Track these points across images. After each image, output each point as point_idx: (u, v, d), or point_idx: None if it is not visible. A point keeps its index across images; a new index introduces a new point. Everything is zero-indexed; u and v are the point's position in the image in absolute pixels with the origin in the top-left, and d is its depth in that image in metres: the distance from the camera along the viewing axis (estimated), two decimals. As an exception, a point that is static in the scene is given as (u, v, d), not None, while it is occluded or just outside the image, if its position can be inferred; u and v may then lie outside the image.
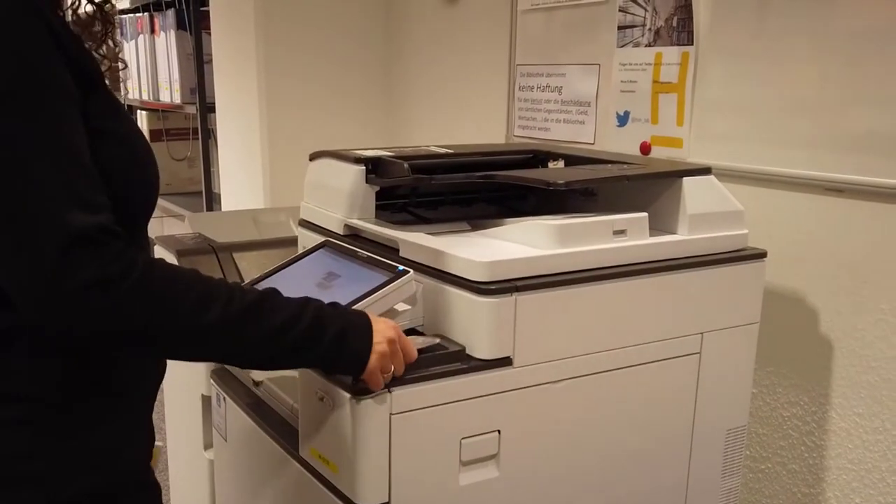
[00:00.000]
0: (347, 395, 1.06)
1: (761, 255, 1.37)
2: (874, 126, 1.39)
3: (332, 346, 1.00)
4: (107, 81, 1.02)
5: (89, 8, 1.07)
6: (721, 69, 1.63)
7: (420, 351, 1.10)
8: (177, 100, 3.24)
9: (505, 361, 1.14)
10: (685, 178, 1.32)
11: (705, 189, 1.35)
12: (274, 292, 1.01)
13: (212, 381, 1.55)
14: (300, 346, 0.99)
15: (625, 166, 1.39)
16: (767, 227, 1.53)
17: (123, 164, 0.96)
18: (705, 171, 1.36)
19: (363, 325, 1.04)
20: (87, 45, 1.05)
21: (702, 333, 1.33)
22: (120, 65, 1.12)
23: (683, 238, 1.31)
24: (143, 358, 1.06)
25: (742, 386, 1.42)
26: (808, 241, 1.52)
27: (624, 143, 1.84)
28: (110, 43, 1.10)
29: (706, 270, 1.31)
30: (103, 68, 1.05)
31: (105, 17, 1.09)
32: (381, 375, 1.04)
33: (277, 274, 1.35)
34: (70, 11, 1.05)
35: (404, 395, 1.07)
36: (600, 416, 1.25)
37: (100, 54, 1.07)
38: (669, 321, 1.29)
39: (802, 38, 1.48)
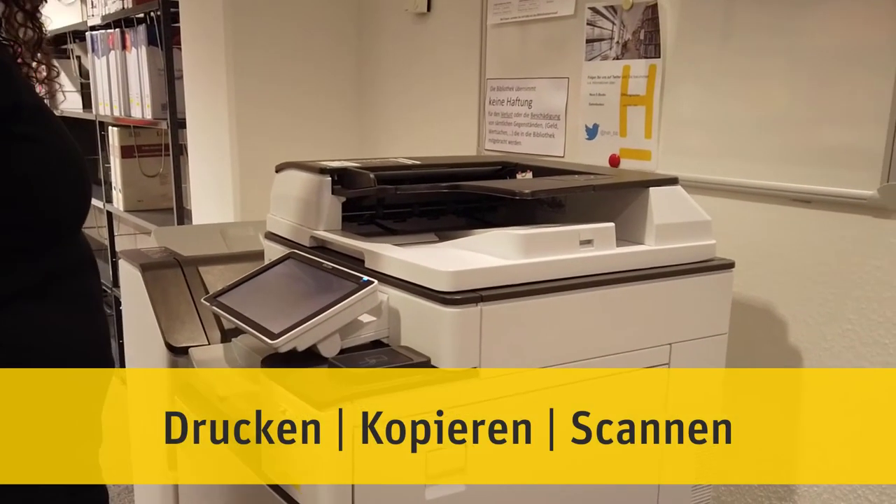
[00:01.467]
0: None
1: (729, 266, 1.37)
2: (840, 139, 1.40)
3: None
4: (42, 88, 1.04)
5: (21, 17, 1.07)
6: (688, 82, 1.63)
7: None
8: (148, 115, 3.22)
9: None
10: (652, 189, 1.32)
11: (672, 199, 1.34)
12: None
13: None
14: None
15: (592, 177, 1.39)
16: (735, 238, 1.53)
17: (40, 167, 0.97)
18: (672, 181, 1.36)
19: None
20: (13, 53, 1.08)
21: (670, 344, 1.32)
22: (53, 71, 1.13)
23: (650, 248, 1.30)
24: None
25: (711, 396, 1.41)
26: (777, 252, 1.52)
27: (593, 156, 1.84)
28: (43, 50, 1.11)
29: (673, 281, 1.30)
30: (41, 75, 1.07)
31: (35, 25, 1.09)
32: None
33: (242, 286, 1.33)
34: (3, 20, 1.05)
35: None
36: (568, 427, 1.24)
37: (37, 60, 1.08)
38: (637, 332, 1.28)
39: (769, 52, 1.49)
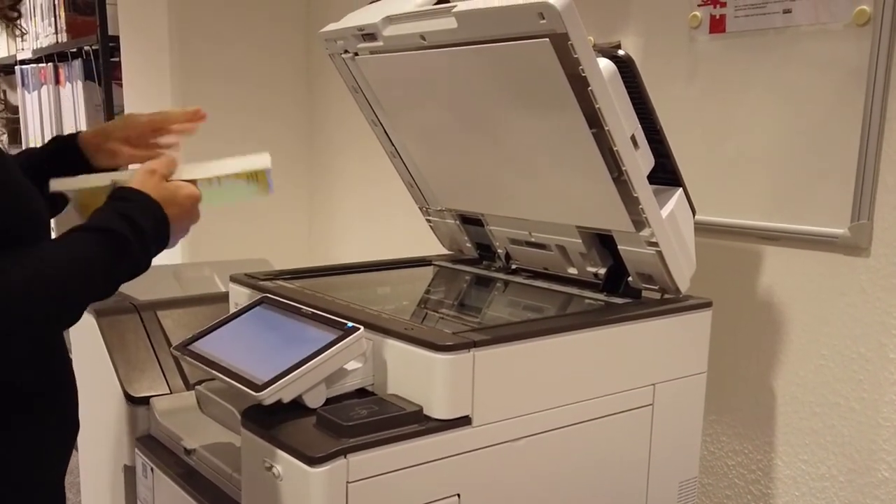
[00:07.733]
0: (301, 464, 0.99)
1: (707, 305, 1.37)
2: (811, 179, 1.42)
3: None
4: None
5: None
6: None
7: None
8: (84, 152, 3.10)
9: (464, 421, 1.09)
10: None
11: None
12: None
13: (136, 450, 1.44)
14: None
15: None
16: (710, 277, 1.53)
17: None
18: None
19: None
20: None
21: (654, 385, 1.31)
22: None
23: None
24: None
25: (692, 436, 1.40)
26: (750, 290, 1.53)
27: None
28: None
29: (654, 322, 1.29)
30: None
31: None
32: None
33: (214, 332, 1.27)
34: None
35: (361, 462, 1.00)
36: (559, 472, 1.21)
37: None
38: (623, 373, 1.26)
39: (743, 94, 1.51)
